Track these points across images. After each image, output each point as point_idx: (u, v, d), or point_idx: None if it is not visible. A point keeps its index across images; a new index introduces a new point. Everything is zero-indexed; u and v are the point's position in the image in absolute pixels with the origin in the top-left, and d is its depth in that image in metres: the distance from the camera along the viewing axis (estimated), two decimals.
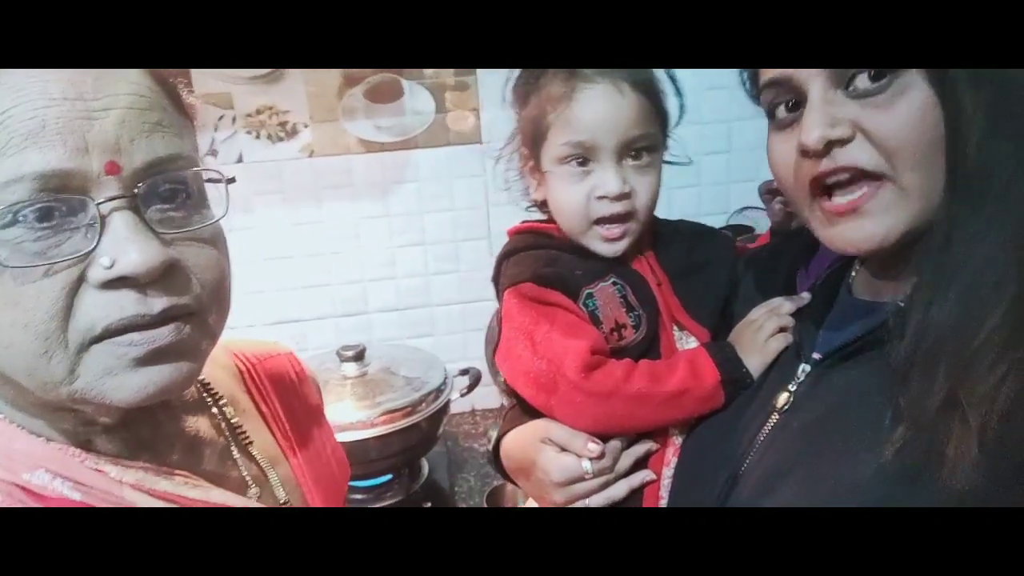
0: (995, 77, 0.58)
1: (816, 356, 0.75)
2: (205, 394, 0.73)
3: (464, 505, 1.65)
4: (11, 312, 0.51)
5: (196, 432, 0.69)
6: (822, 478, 0.65)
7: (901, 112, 0.61)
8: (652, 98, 0.89)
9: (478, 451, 1.84)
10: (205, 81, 1.70)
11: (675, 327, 0.92)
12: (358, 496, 1.61)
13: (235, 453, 0.72)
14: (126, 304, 0.53)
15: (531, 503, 1.04)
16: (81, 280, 0.52)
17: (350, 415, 1.48)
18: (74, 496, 0.58)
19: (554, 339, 0.87)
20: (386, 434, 1.49)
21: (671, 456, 0.88)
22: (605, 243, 0.91)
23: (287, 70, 1.72)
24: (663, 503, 0.87)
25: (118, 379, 0.54)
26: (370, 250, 1.88)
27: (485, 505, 1.56)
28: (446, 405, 1.61)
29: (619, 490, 0.88)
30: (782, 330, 0.83)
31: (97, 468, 0.60)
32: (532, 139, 0.92)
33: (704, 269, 0.95)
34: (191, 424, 0.69)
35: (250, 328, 1.81)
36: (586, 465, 0.87)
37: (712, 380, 0.83)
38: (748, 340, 0.85)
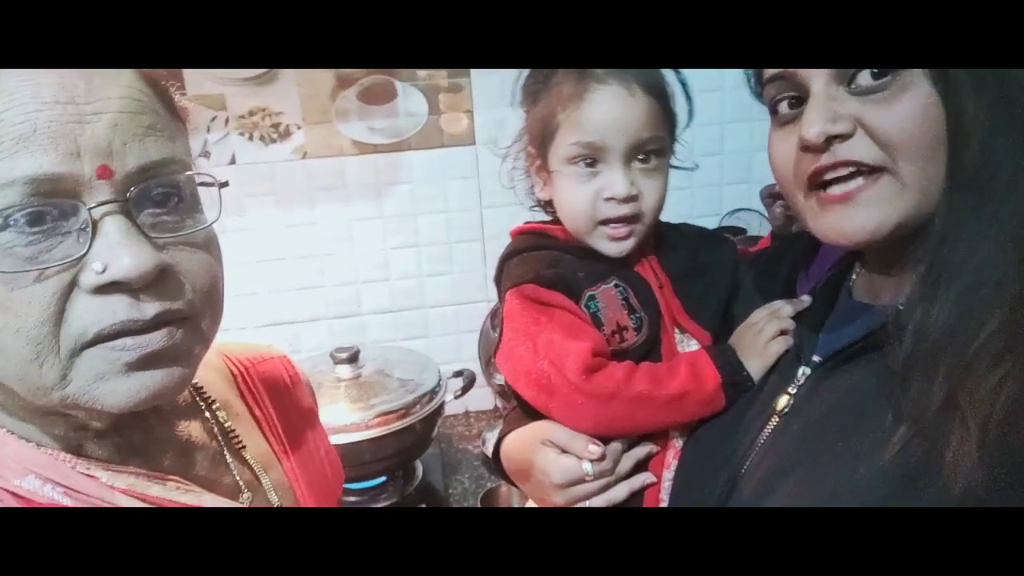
0: (997, 77, 0.58)
1: (816, 359, 0.75)
2: (198, 398, 0.72)
3: (458, 506, 1.64)
4: (2, 317, 0.51)
5: (188, 436, 0.69)
6: (822, 479, 0.64)
7: (902, 109, 0.61)
8: (662, 101, 0.89)
9: (472, 453, 1.83)
10: (198, 82, 1.69)
11: (676, 330, 0.92)
12: (352, 498, 1.61)
13: (228, 457, 0.71)
14: (118, 309, 0.53)
15: (529, 505, 1.03)
16: (73, 285, 0.52)
17: (344, 417, 1.47)
18: (64, 501, 0.57)
19: (555, 340, 0.86)
20: (380, 436, 1.49)
21: (671, 458, 0.88)
22: (611, 242, 0.91)
23: (280, 71, 1.72)
24: (663, 505, 0.87)
25: (110, 384, 0.54)
26: (363, 252, 1.88)
27: (479, 507, 1.56)
28: (440, 407, 1.61)
29: (619, 492, 0.88)
30: (782, 333, 0.83)
31: (88, 473, 0.59)
32: (540, 138, 0.92)
33: (706, 272, 0.95)
34: (183, 428, 0.69)
35: (243, 330, 1.80)
36: (587, 467, 0.87)
37: (713, 383, 0.83)
38: (749, 343, 0.85)
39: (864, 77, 0.63)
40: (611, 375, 0.85)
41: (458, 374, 1.71)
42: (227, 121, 1.74)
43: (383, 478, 1.63)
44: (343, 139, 1.80)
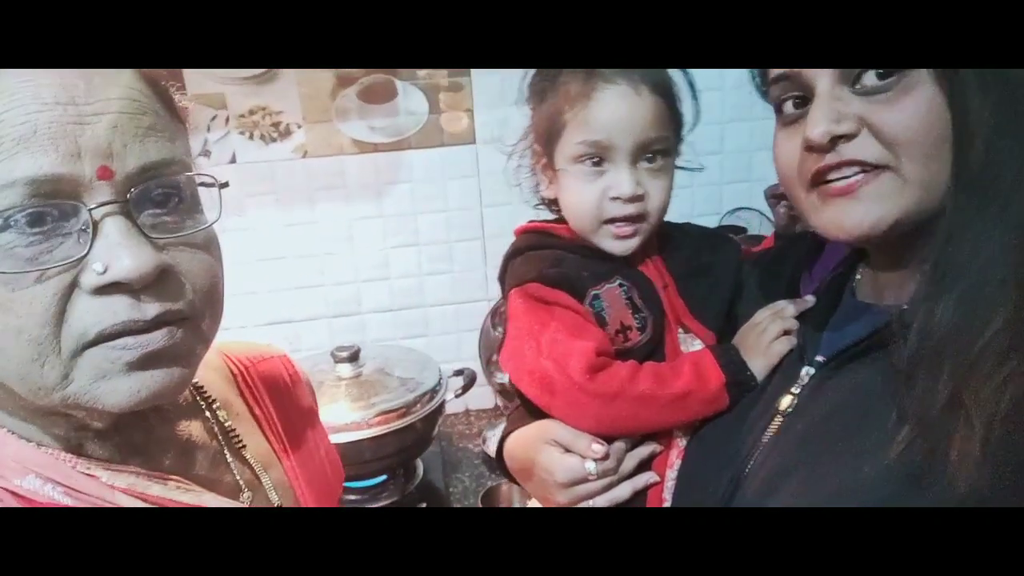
0: (1002, 77, 0.58)
1: (819, 359, 0.75)
2: (198, 398, 0.72)
3: (459, 505, 1.64)
4: (3, 318, 0.51)
5: (189, 436, 0.69)
6: (825, 479, 0.64)
7: (907, 109, 0.61)
8: (669, 101, 0.89)
9: (473, 451, 1.84)
10: (198, 81, 1.69)
11: (680, 329, 0.92)
12: (353, 497, 1.61)
13: (228, 457, 0.71)
14: (119, 309, 0.53)
15: (531, 504, 1.03)
16: (74, 286, 0.52)
17: (345, 416, 1.47)
18: (65, 501, 0.57)
19: (559, 340, 0.86)
20: (381, 435, 1.49)
21: (675, 458, 0.88)
22: (616, 240, 0.90)
23: (280, 71, 1.71)
24: (667, 505, 0.87)
25: (111, 384, 0.54)
26: (364, 251, 1.88)
27: (480, 505, 1.56)
28: (441, 406, 1.61)
29: (623, 491, 0.88)
30: (786, 333, 0.83)
31: (89, 473, 0.59)
32: (546, 136, 0.91)
33: (710, 272, 0.95)
34: (184, 428, 0.69)
35: (243, 329, 1.79)
36: (590, 466, 0.87)
37: (717, 382, 0.83)
38: (752, 343, 0.85)
39: (869, 77, 0.63)
40: (615, 374, 0.85)
41: (458, 373, 1.71)
42: (227, 120, 1.74)
43: (384, 477, 1.63)
44: (343, 138, 1.79)
